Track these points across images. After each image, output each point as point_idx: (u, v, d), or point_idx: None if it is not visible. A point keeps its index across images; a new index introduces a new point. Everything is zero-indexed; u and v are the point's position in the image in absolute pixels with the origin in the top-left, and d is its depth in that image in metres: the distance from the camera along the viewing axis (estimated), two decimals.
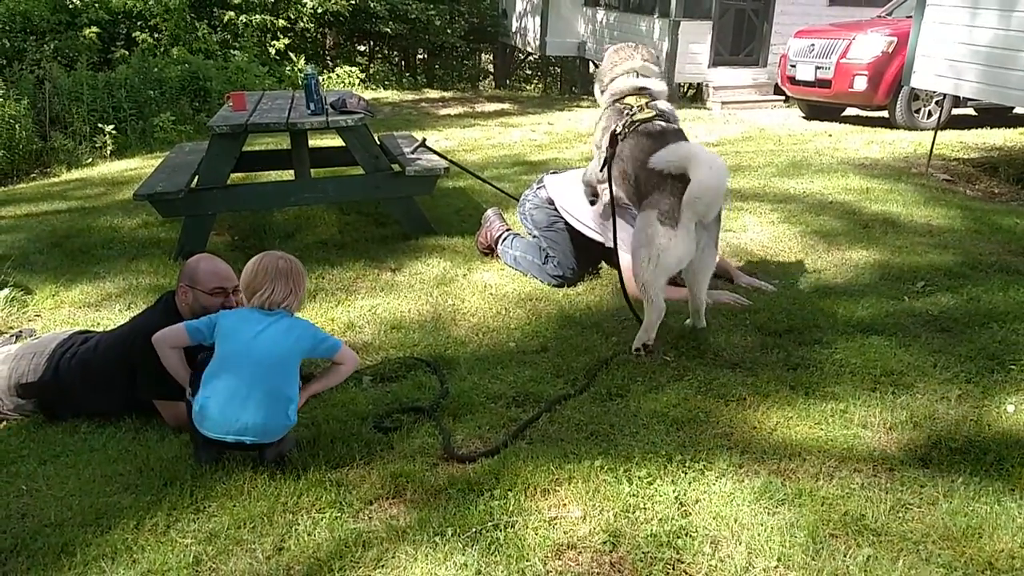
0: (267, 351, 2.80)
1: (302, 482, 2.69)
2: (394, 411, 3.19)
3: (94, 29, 12.28)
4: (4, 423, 3.30)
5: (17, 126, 9.15)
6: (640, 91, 3.86)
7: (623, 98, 3.87)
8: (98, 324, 4.06)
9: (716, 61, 13.53)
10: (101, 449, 3.01)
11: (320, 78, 5.36)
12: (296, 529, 2.46)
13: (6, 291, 4.45)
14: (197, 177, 5.12)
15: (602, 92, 4.05)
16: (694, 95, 14.28)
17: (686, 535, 2.36)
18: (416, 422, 3.11)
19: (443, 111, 13.05)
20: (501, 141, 9.60)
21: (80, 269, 4.92)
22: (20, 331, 3.94)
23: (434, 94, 15.94)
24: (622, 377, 3.39)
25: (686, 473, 2.66)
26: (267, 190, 5.76)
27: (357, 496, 2.62)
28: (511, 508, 2.50)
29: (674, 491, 2.56)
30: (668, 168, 3.47)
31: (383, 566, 2.30)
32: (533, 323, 4.04)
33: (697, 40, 13.32)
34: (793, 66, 11.06)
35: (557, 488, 2.61)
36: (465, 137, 9.96)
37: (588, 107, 13.36)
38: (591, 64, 18.76)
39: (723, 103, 12.94)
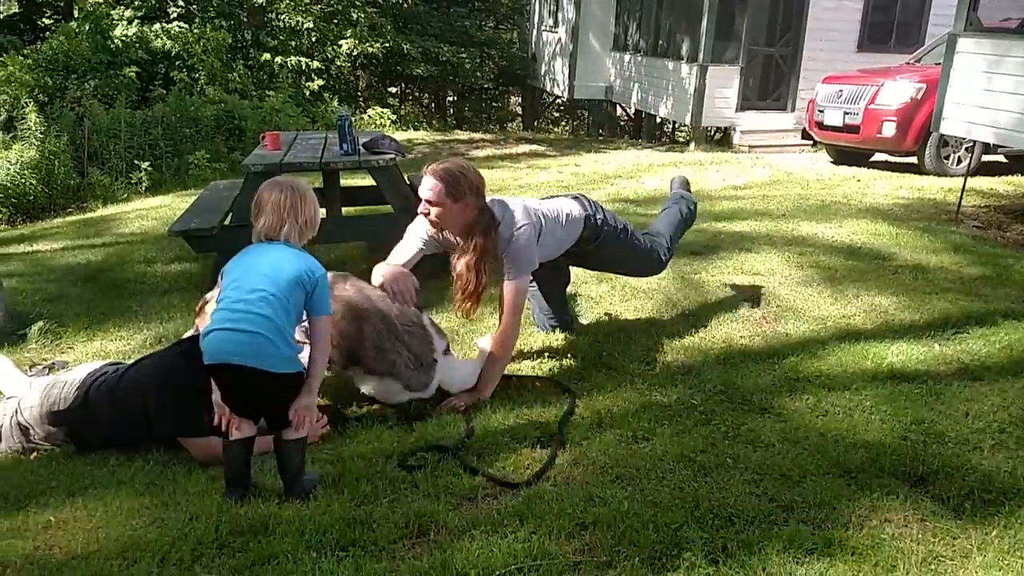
0: (266, 268, 2.78)
1: (327, 519, 2.69)
2: (419, 449, 3.19)
3: (134, 68, 12.62)
4: (35, 454, 3.34)
5: (56, 162, 9.39)
6: None
7: None
8: (129, 357, 4.12)
9: (744, 105, 13.59)
10: (128, 482, 3.03)
11: (352, 119, 5.46)
12: (320, 567, 2.45)
13: (40, 324, 4.54)
14: (231, 214, 5.21)
15: None
16: (721, 139, 14.33)
17: None
18: (440, 461, 3.10)
19: (472, 152, 13.20)
20: (529, 182, 9.68)
21: (113, 303, 5.01)
22: (53, 363, 4.01)
23: (464, 135, 16.14)
24: (648, 420, 3.37)
25: (714, 520, 2.63)
26: None
27: (381, 535, 2.61)
28: (535, 552, 2.47)
29: (702, 538, 2.52)
30: None
31: None
32: (560, 363, 4.04)
33: (725, 84, 13.41)
34: (821, 111, 11.07)
35: (582, 532, 2.58)
36: (494, 178, 10.04)
37: (615, 150, 13.44)
38: (618, 107, 18.93)
39: (750, 147, 12.97)
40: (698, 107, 13.36)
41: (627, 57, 16.59)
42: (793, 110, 13.62)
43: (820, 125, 11.16)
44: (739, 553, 2.45)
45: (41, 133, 9.70)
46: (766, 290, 5.12)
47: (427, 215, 3.60)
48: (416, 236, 3.86)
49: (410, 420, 3.47)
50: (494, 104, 20.95)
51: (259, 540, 2.59)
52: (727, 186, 9.17)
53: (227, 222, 5.13)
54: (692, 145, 13.40)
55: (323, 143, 5.84)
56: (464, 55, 17.49)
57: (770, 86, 13.83)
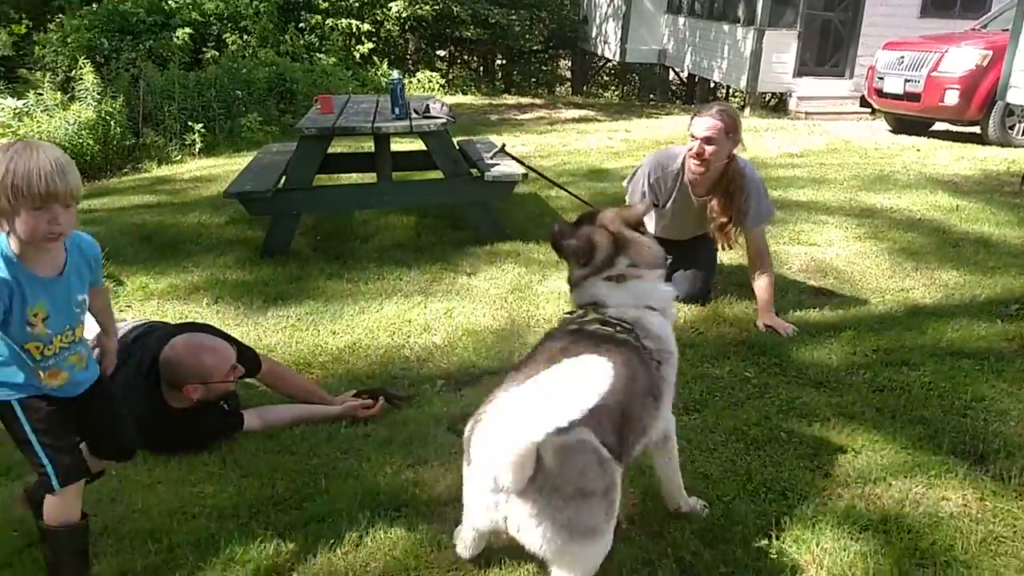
0: None
1: (380, 479, 2.73)
2: (468, 415, 3.19)
3: (187, 30, 12.72)
4: None
5: (112, 122, 9.53)
6: None
7: None
8: (186, 316, 4.20)
9: (801, 71, 13.22)
10: None
11: (405, 83, 5.45)
12: (374, 526, 2.49)
13: None
14: (284, 177, 5.26)
15: None
16: (776, 104, 14.00)
17: (766, 557, 2.31)
18: None
19: (520, 116, 13.10)
20: (578, 147, 9.58)
21: (169, 263, 5.10)
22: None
23: (512, 99, 16.01)
24: (700, 392, 3.34)
25: (767, 494, 2.61)
26: (351, 192, 5.87)
27: (432, 497, 2.64)
28: None
29: (754, 511, 2.50)
30: None
31: (457, 569, 2.32)
32: None
33: (782, 49, 13.05)
34: (881, 78, 10.73)
35: (632, 504, 2.58)
36: (542, 143, 9.98)
37: (667, 115, 13.23)
38: (671, 71, 18.58)
39: (807, 113, 12.64)
40: (754, 72, 13.05)
41: (681, 20, 16.24)
42: (852, 77, 13.22)
43: (880, 92, 10.83)
44: (793, 528, 2.43)
45: (97, 94, 9.84)
46: (823, 261, 5.02)
47: (701, 154, 3.88)
48: (640, 192, 4.15)
49: (460, 386, 3.49)
50: (543, 68, 20.66)
51: (314, 499, 2.64)
52: (783, 153, 8.97)
53: (280, 185, 5.17)
54: (747, 111, 13.11)
55: (374, 107, 5.84)
56: (514, 17, 17.26)
57: (828, 52, 13.42)
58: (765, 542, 2.36)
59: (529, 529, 1.96)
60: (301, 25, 14.68)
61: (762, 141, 9.77)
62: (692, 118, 3.98)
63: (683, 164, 4.07)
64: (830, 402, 3.24)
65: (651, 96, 18.91)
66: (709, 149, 3.86)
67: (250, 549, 2.40)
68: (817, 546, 2.35)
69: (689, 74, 17.20)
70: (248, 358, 3.18)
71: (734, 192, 4.00)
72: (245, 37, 13.55)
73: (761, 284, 4.11)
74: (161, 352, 2.96)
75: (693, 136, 3.90)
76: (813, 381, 3.43)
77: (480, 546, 2.31)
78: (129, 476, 2.83)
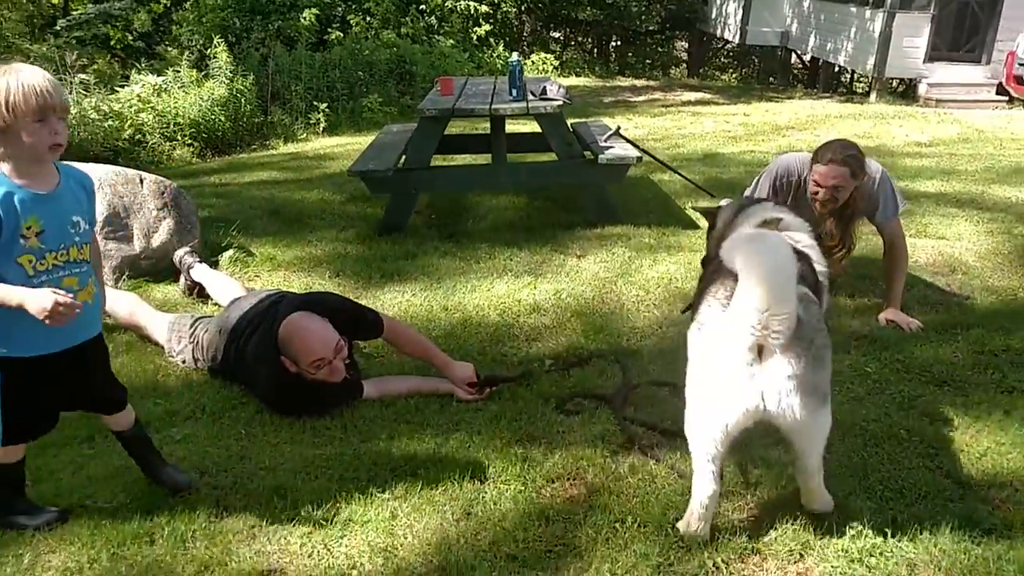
0: None
1: (491, 453, 2.81)
2: (576, 396, 3.24)
3: (313, 11, 13.14)
4: None
5: (243, 100, 9.97)
6: None
7: None
8: (309, 287, 4.41)
9: (933, 56, 12.54)
10: None
11: (523, 65, 5.49)
12: (483, 497, 2.58)
13: (231, 252, 4.91)
14: (403, 157, 5.41)
15: None
16: (904, 91, 13.33)
17: (880, 554, 2.26)
18: (597, 409, 3.14)
19: (634, 99, 12.96)
20: (693, 131, 9.42)
21: (295, 236, 5.34)
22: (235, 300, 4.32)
23: (626, 82, 15.85)
24: None
25: (883, 490, 2.54)
26: (467, 173, 5.99)
27: (540, 473, 2.71)
28: None
29: (870, 508, 2.45)
30: None
31: (563, 544, 2.37)
32: None
33: (913, 32, 12.40)
34: (1022, 64, 10.07)
35: (744, 491, 2.57)
36: (655, 125, 9.86)
37: (788, 99, 12.80)
38: (793, 54, 17.95)
39: (938, 100, 11.99)
40: (882, 56, 12.45)
41: (806, 1, 15.65)
42: (988, 63, 12.43)
43: (1019, 80, 10.17)
44: (909, 527, 2.36)
45: (230, 72, 10.31)
46: (951, 256, 4.79)
47: (827, 201, 3.76)
48: (766, 191, 4.00)
49: (568, 367, 3.52)
50: (659, 49, 20.31)
51: (427, 467, 2.74)
52: (910, 142, 8.56)
53: (400, 164, 5.33)
54: (873, 96, 12.54)
55: (492, 89, 5.92)
56: None
57: (964, 36, 12.66)
58: (880, 539, 2.31)
59: (786, 395, 2.08)
60: (422, 7, 14.94)
61: (888, 128, 9.35)
62: (813, 160, 3.78)
63: (806, 178, 3.92)
64: (954, 402, 3.11)
65: (771, 79, 18.31)
66: (837, 196, 3.75)
67: (368, 511, 2.52)
68: (935, 547, 2.28)
69: (812, 57, 16.57)
70: (369, 322, 3.35)
71: (851, 216, 3.89)
72: (368, 19, 13.89)
73: (891, 277, 3.99)
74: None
75: (817, 183, 3.75)
76: (936, 379, 3.30)
77: (720, 468, 2.28)
78: (257, 435, 3.01)
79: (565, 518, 2.48)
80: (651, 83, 15.83)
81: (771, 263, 2.09)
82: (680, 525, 2.36)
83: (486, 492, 2.60)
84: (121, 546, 2.37)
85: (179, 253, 4.57)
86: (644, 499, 2.54)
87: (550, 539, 2.39)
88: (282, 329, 3.14)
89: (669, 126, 9.87)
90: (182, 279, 4.46)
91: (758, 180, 4.13)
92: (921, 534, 2.33)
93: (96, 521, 2.49)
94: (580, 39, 19.57)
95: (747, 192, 4.23)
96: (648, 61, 19.42)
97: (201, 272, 4.39)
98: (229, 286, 4.18)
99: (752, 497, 2.53)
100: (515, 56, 5.47)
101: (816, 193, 3.78)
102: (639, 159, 5.40)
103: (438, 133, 5.29)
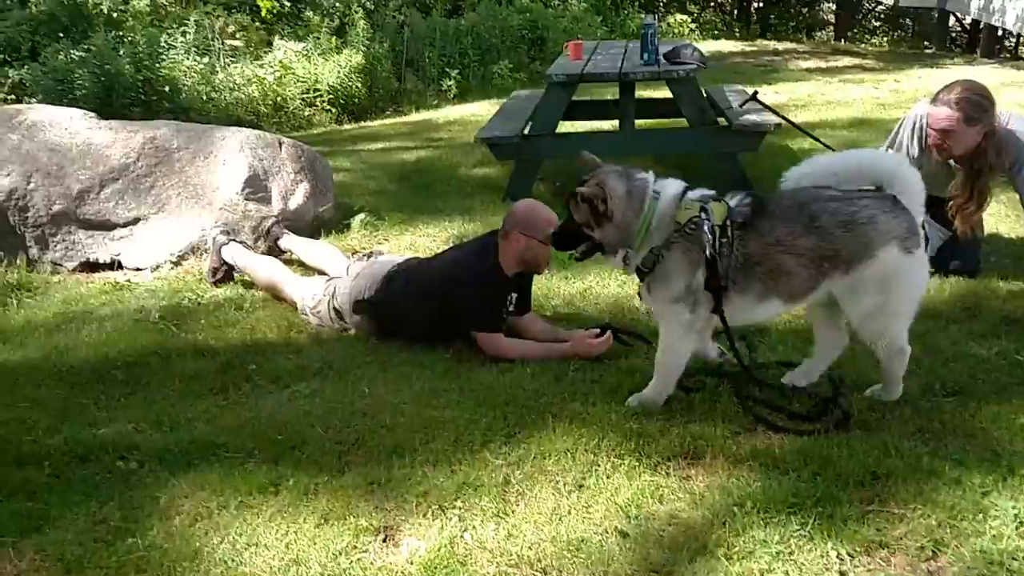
0: None
1: (606, 426, 2.77)
2: (697, 372, 3.14)
3: None
4: (352, 330, 3.74)
5: (378, 67, 10.22)
6: None
7: None
8: (435, 252, 4.47)
9: None
10: (430, 366, 3.34)
11: (657, 28, 5.32)
12: (596, 470, 2.55)
13: (362, 216, 5.05)
14: (530, 123, 5.38)
15: None
16: None
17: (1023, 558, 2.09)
18: (719, 387, 3.03)
19: (776, 62, 12.37)
20: (838, 98, 8.90)
21: (423, 202, 5.44)
22: (371, 252, 4.44)
23: (767, 45, 15.15)
24: (960, 372, 3.04)
25: None
26: (592, 139, 5.89)
27: (655, 449, 2.64)
28: (820, 494, 2.35)
29: (1013, 507, 2.25)
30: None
31: (677, 523, 2.31)
32: None
33: None
34: None
35: (874, 482, 2.42)
36: (798, 91, 9.38)
37: (944, 66, 11.89)
38: (952, 16, 16.63)
39: None
40: None
41: None
42: None
43: None
44: None
45: (367, 39, 10.56)
46: None
47: (939, 145, 3.61)
48: (904, 138, 3.83)
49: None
50: (803, 11, 19.32)
51: (541, 435, 2.74)
52: None
53: (526, 131, 5.30)
54: None
55: (623, 52, 5.78)
56: None
57: None
58: (1022, 542, 2.13)
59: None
60: None
61: None
62: (931, 101, 3.56)
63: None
64: None
65: (926, 44, 17.06)
66: (948, 142, 3.54)
67: (482, 475, 2.55)
68: None
69: (973, 20, 15.28)
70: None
71: (980, 170, 3.56)
72: None
73: None
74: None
75: (929, 125, 3.52)
76: None
77: None
78: (379, 394, 3.11)
79: (679, 497, 2.41)
80: (795, 46, 15.04)
81: None
82: None
83: (599, 465, 2.57)
84: (248, 495, 2.50)
85: (212, 232, 4.42)
86: (766, 484, 2.43)
87: (663, 517, 2.33)
88: (522, 205, 3.51)
89: (813, 92, 9.36)
90: (210, 259, 4.32)
91: (897, 131, 3.88)
92: None
93: (227, 469, 2.63)
94: (720, 0, 18.87)
95: (885, 146, 3.97)
96: (792, 23, 18.51)
97: (292, 240, 4.48)
98: (328, 250, 4.31)
99: (882, 488, 2.38)
100: (648, 18, 5.33)
101: (929, 137, 3.55)
102: (777, 126, 5.15)
103: (565, 99, 5.23)
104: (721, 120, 5.28)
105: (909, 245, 2.63)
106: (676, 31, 15.05)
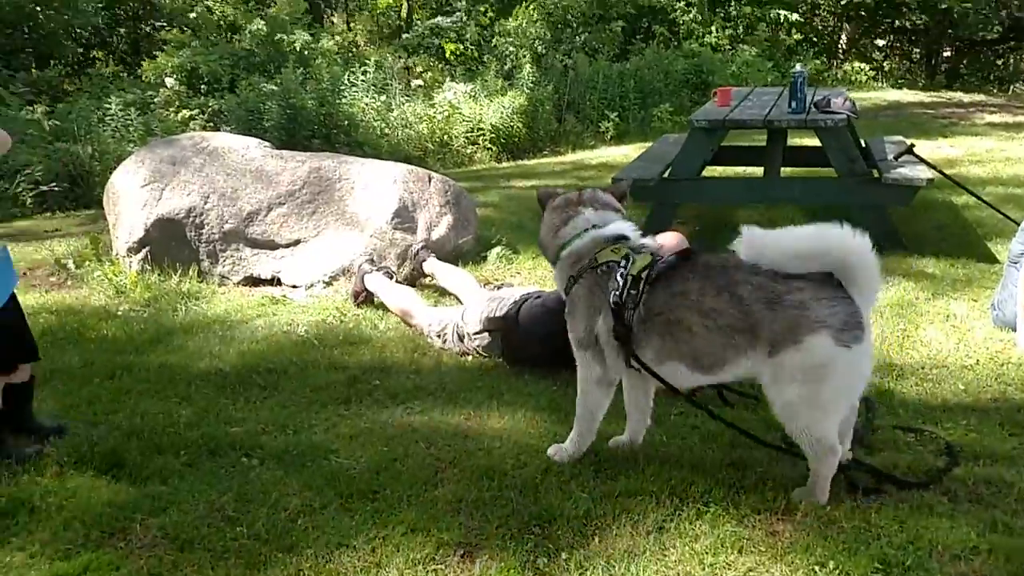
0: None
1: (699, 472, 2.76)
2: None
3: (620, 23, 13.46)
4: (469, 356, 3.91)
5: (541, 108, 10.54)
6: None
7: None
8: None
9: None
10: (535, 396, 3.44)
11: (806, 75, 5.21)
12: (680, 514, 2.55)
13: (499, 248, 5.25)
14: (670, 168, 5.42)
15: None
16: None
17: None
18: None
19: (960, 114, 11.66)
20: (1019, 155, 8.28)
21: None
22: (502, 284, 4.62)
23: (953, 96, 14.29)
24: None
25: None
26: (733, 185, 5.85)
27: (746, 501, 2.61)
28: (909, 563, 2.25)
29: None
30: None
31: (755, 571, 2.28)
32: (995, 366, 3.51)
33: None
34: None
35: (972, 557, 2.28)
36: (976, 147, 8.81)
37: None
38: None
39: None
40: None
41: None
42: None
43: None
44: None
45: (532, 82, 10.93)
46: None
47: None
48: None
49: None
50: (998, 61, 18.02)
51: (629, 474, 2.77)
52: None
53: (667, 174, 5.34)
54: None
55: (775, 100, 5.71)
56: (968, 4, 15.31)
57: None
58: None
59: None
60: (729, 15, 14.65)
61: None
62: None
63: None
64: None
65: None
66: None
67: (565, 505, 2.61)
68: None
69: None
70: None
71: None
72: (673, 29, 13.92)
73: None
74: None
75: None
76: None
77: None
78: (483, 416, 3.25)
79: (761, 551, 2.37)
80: (985, 99, 14.11)
81: None
82: None
83: (684, 510, 2.56)
84: (348, 498, 2.69)
85: (359, 260, 4.76)
86: (853, 548, 2.35)
87: (740, 569, 2.31)
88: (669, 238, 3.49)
89: (992, 147, 8.77)
90: (354, 284, 4.63)
91: None
92: None
93: (334, 472, 2.84)
94: (906, 48, 17.98)
95: None
96: (984, 74, 17.34)
97: (435, 265, 4.74)
98: (466, 277, 4.55)
99: (982, 564, 2.23)
100: (798, 67, 5.25)
101: None
102: (930, 181, 4.91)
103: (709, 145, 5.23)
104: (874, 171, 5.09)
105: (845, 338, 2.40)
106: (853, 79, 14.51)
